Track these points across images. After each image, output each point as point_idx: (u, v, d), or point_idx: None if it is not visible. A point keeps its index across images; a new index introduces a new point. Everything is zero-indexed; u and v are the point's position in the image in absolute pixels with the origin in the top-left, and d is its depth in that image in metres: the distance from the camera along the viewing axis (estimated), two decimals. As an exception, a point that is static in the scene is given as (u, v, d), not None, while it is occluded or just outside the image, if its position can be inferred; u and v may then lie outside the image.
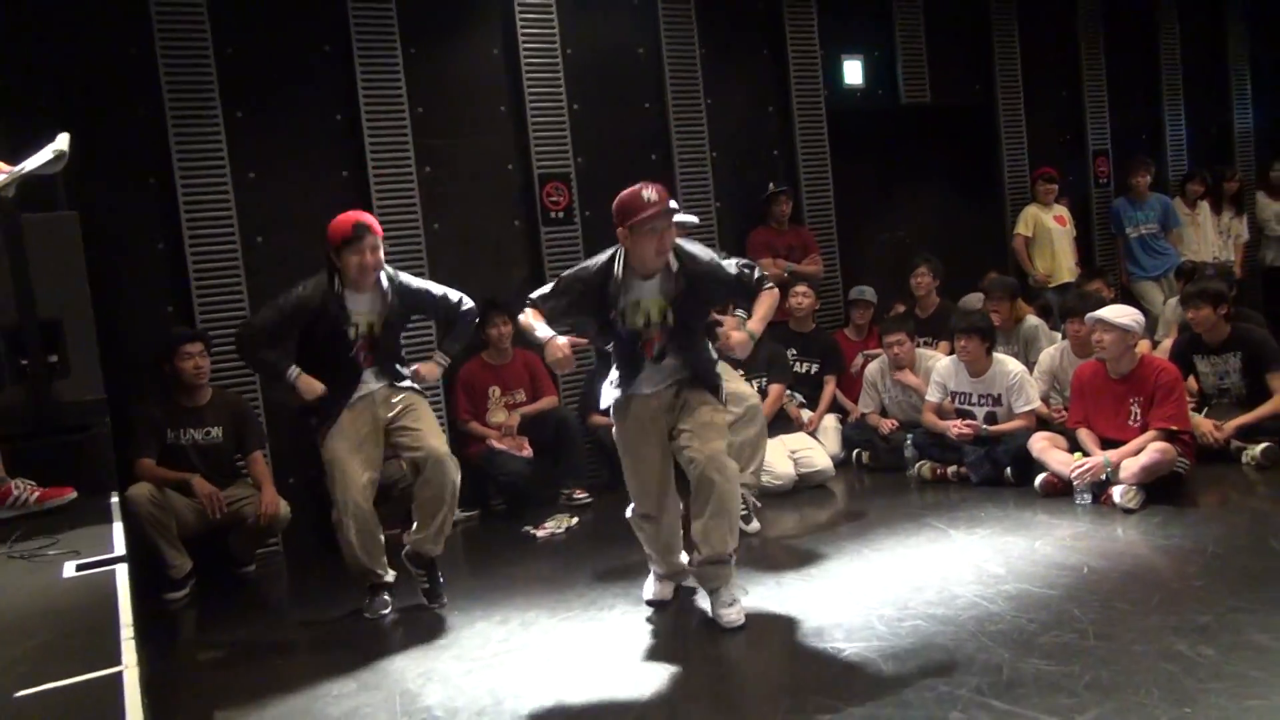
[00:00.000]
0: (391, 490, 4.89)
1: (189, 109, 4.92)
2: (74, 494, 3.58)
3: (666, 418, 3.52)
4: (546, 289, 3.50)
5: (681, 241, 3.47)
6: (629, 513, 3.66)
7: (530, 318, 3.44)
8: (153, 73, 4.85)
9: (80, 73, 4.79)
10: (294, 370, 3.82)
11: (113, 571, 2.65)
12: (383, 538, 3.95)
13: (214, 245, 4.98)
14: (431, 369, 4.09)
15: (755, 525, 4.59)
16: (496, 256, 5.81)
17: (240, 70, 5.08)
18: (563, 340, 3.35)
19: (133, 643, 2.06)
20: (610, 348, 3.57)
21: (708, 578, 3.49)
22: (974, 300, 6.63)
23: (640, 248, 3.33)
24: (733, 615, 3.40)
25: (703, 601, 3.63)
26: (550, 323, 3.43)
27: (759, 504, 4.72)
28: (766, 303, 3.49)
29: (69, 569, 2.73)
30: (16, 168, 3.05)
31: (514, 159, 5.83)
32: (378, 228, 3.89)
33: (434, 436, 3.91)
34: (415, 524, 3.94)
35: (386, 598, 3.94)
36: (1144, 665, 2.78)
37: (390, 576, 3.96)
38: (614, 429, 3.63)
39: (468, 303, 4.10)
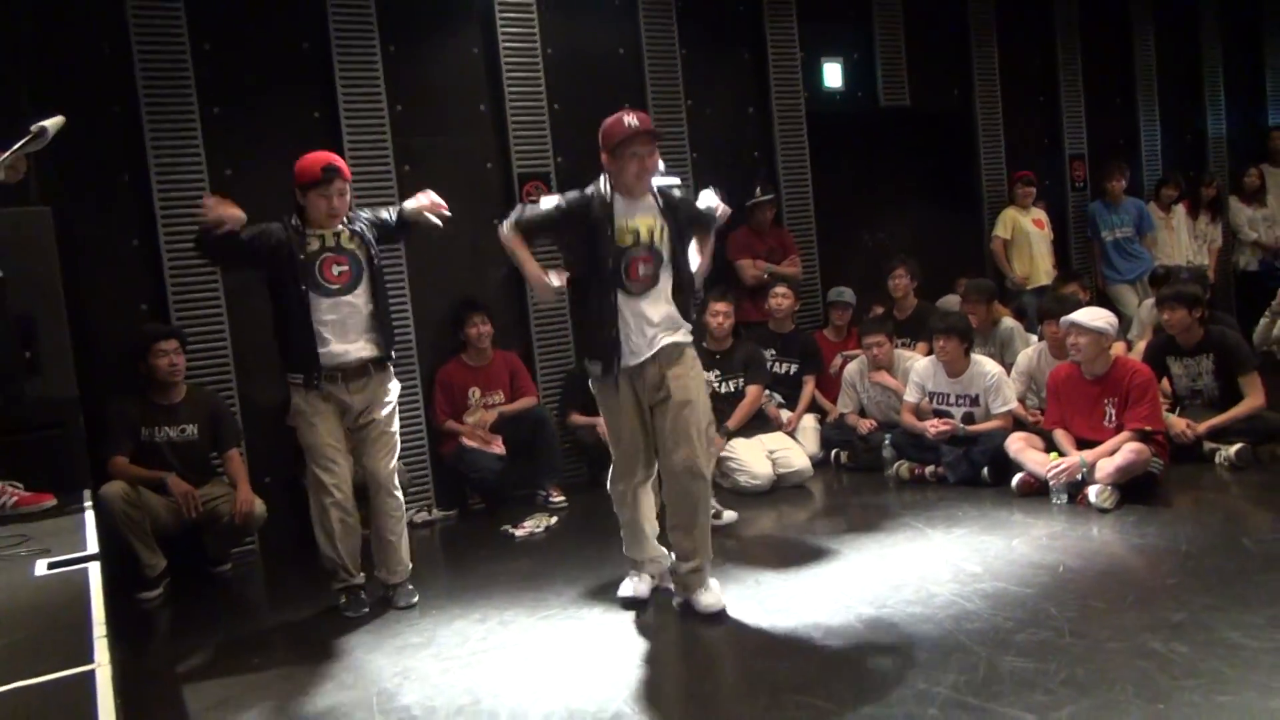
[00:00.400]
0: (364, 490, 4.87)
1: (165, 105, 4.87)
2: (53, 501, 3.55)
3: (651, 395, 3.50)
4: (527, 206, 3.53)
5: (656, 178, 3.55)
6: (610, 484, 3.70)
7: (515, 242, 3.50)
8: (128, 68, 4.80)
9: (54, 68, 4.73)
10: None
11: (85, 570, 2.63)
12: (360, 538, 3.93)
13: (189, 242, 4.90)
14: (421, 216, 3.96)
15: (731, 515, 4.70)
16: (475, 256, 5.79)
17: (217, 66, 5.04)
18: (553, 278, 3.43)
19: (105, 641, 2.03)
20: (589, 285, 3.48)
21: (692, 585, 3.53)
22: (952, 301, 6.68)
23: (624, 172, 3.41)
24: (712, 599, 3.49)
25: (675, 603, 3.64)
26: (530, 238, 3.50)
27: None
28: (710, 242, 3.80)
29: (40, 567, 2.70)
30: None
31: (494, 158, 5.82)
32: (347, 171, 3.87)
33: (384, 457, 3.87)
34: (377, 560, 3.96)
35: (363, 596, 3.91)
36: (1118, 662, 2.80)
37: (360, 579, 3.93)
38: (598, 399, 3.63)
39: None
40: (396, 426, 3.96)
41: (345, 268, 3.82)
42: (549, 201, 3.55)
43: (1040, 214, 7.30)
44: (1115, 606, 3.24)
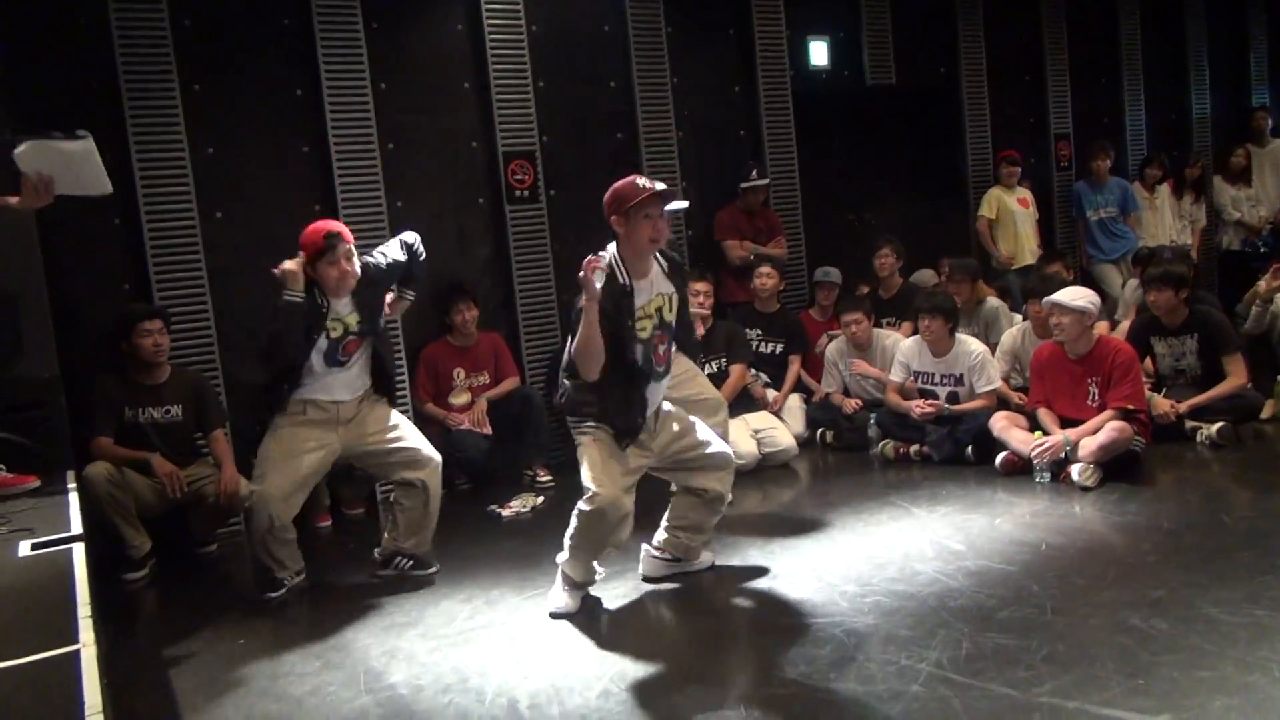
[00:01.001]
0: (354, 471, 4.86)
1: (145, 83, 4.81)
2: (37, 482, 3.53)
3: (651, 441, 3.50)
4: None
5: None
6: (584, 504, 3.35)
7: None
8: (107, 45, 4.74)
9: (31, 44, 4.67)
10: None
11: (69, 550, 2.62)
12: (294, 539, 3.96)
13: (171, 221, 4.89)
14: (397, 304, 4.16)
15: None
16: (460, 235, 5.77)
17: (198, 43, 4.98)
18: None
19: (90, 621, 2.03)
20: (613, 373, 3.32)
21: (693, 552, 3.71)
22: (927, 276, 6.70)
23: (636, 235, 3.30)
24: (708, 555, 3.75)
25: (660, 583, 3.66)
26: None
27: None
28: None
29: (24, 548, 2.69)
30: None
31: (478, 136, 5.78)
32: (349, 235, 3.93)
33: (426, 445, 4.09)
34: (401, 530, 4.04)
35: (285, 585, 3.94)
36: (1099, 639, 2.83)
37: (289, 577, 3.95)
38: (580, 441, 3.45)
39: (418, 246, 4.13)
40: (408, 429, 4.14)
41: (359, 344, 4.00)
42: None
43: (1025, 193, 7.32)
44: (1096, 583, 3.27)
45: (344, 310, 3.93)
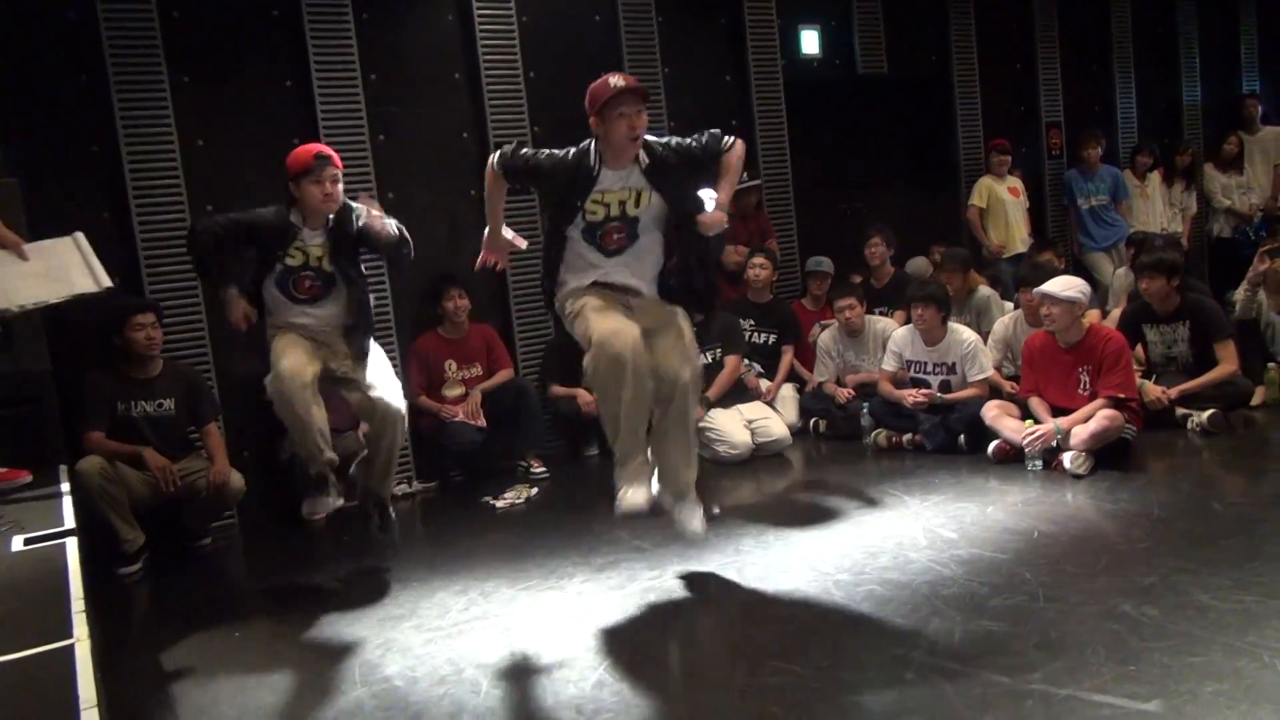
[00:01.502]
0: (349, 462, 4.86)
1: (133, 74, 4.79)
2: (29, 477, 3.53)
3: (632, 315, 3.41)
4: (519, 148, 3.43)
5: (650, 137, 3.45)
6: (588, 362, 3.27)
7: (494, 181, 3.44)
8: (95, 36, 4.71)
9: (18, 36, 4.64)
10: (232, 289, 3.85)
11: (62, 545, 2.62)
12: (325, 415, 3.88)
13: (161, 215, 4.88)
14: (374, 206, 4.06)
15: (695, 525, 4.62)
16: (452, 227, 5.75)
17: (186, 34, 4.96)
18: (510, 233, 3.44)
19: (84, 615, 2.03)
20: (560, 245, 3.44)
21: (685, 509, 3.57)
22: (919, 264, 6.70)
23: (612, 133, 3.31)
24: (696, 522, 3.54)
25: (653, 569, 3.67)
26: (512, 179, 3.42)
27: None
28: (733, 167, 3.50)
29: (16, 543, 2.69)
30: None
31: (469, 127, 5.77)
32: (338, 160, 3.92)
33: (386, 390, 3.97)
34: (368, 466, 4.07)
35: (330, 498, 3.95)
36: (1091, 626, 2.85)
37: (334, 457, 3.91)
38: (572, 312, 3.40)
39: (406, 244, 4.08)
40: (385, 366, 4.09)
41: (317, 283, 3.93)
42: (542, 154, 3.43)
43: (1016, 182, 7.32)
44: (1088, 571, 3.29)
45: (311, 239, 3.90)
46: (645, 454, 3.45)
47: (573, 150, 3.41)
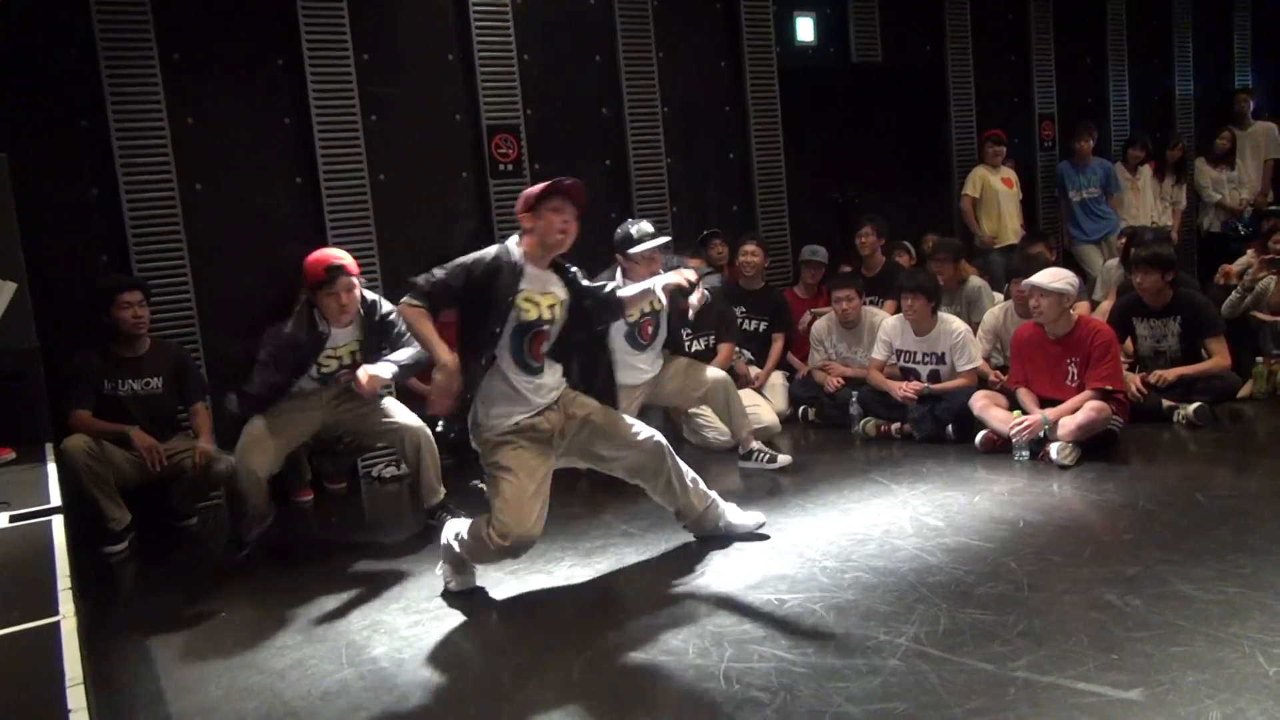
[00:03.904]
0: (336, 445, 4.85)
1: (123, 50, 4.74)
2: (13, 455, 3.51)
3: (558, 442, 3.39)
4: (430, 275, 3.20)
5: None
6: (493, 541, 3.17)
7: (420, 319, 3.16)
8: (84, 11, 4.67)
9: (7, 11, 4.58)
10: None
11: (48, 523, 2.61)
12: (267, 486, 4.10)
13: (150, 192, 4.84)
14: (374, 380, 3.96)
15: (785, 458, 4.85)
16: (444, 209, 5.73)
17: (176, 10, 4.91)
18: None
19: (70, 593, 2.02)
20: (488, 359, 3.26)
21: (718, 517, 3.74)
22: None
23: (545, 227, 3.24)
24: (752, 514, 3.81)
25: (641, 554, 3.68)
26: (437, 304, 3.19)
27: (757, 446, 4.90)
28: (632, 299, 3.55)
29: (2, 520, 2.67)
30: None
31: (462, 109, 5.74)
32: (352, 266, 4.06)
33: (403, 416, 4.32)
34: (419, 486, 4.35)
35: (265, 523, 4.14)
36: (1075, 615, 2.87)
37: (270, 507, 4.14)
38: (496, 457, 3.27)
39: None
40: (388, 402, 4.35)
41: (349, 370, 4.15)
42: (453, 267, 3.22)
43: (1009, 173, 7.34)
44: (1073, 560, 3.31)
45: (343, 340, 4.12)
46: (469, 582, 3.48)
47: (491, 250, 3.27)
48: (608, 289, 3.50)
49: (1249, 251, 6.15)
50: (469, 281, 3.20)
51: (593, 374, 3.51)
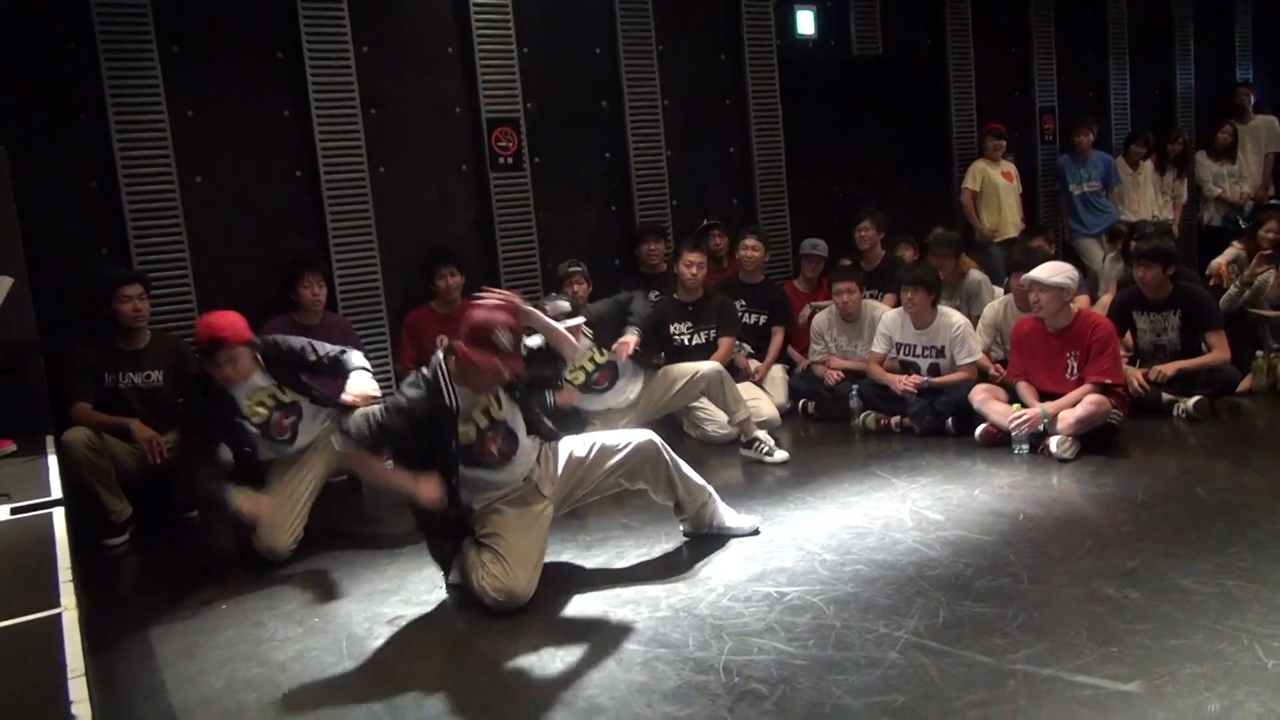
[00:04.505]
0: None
1: (122, 42, 4.75)
2: (13, 447, 3.51)
3: (549, 489, 3.46)
4: (364, 422, 3.10)
5: None
6: (486, 595, 3.16)
7: (363, 462, 3.15)
8: (83, 4, 4.66)
9: (5, 5, 4.59)
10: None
11: (49, 515, 2.61)
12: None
13: (150, 185, 4.85)
14: (363, 394, 3.85)
15: (782, 454, 4.83)
16: (444, 202, 5.74)
17: (177, 3, 4.91)
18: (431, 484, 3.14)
19: (71, 585, 2.02)
20: (454, 480, 3.23)
21: (714, 516, 3.72)
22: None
23: (482, 370, 3.15)
24: (748, 517, 3.77)
25: (641, 547, 3.69)
26: (373, 448, 3.12)
27: (761, 435, 4.90)
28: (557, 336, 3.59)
29: (3, 512, 2.68)
30: None
31: (462, 102, 5.74)
32: (232, 337, 3.91)
33: None
34: None
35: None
36: (1074, 608, 2.88)
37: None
38: (482, 528, 3.30)
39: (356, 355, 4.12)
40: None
41: (290, 420, 4.13)
42: (392, 415, 3.11)
43: (1009, 166, 7.33)
44: (1072, 553, 3.31)
45: (257, 386, 4.05)
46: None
47: (421, 385, 3.18)
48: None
49: (1235, 244, 6.16)
50: (411, 419, 3.11)
51: (560, 423, 3.61)
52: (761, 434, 4.90)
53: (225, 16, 5.09)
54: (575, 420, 3.74)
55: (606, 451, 3.53)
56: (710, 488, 3.72)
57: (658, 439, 3.58)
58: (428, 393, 3.16)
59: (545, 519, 3.41)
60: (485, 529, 3.31)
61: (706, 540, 3.70)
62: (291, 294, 5.07)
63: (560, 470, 3.51)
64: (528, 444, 3.42)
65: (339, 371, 4.05)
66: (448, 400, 3.17)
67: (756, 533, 3.73)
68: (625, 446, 3.53)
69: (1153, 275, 5.07)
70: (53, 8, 4.69)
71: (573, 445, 3.54)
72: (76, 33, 4.70)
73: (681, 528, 3.78)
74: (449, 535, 3.35)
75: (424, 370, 3.23)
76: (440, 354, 3.24)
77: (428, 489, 3.11)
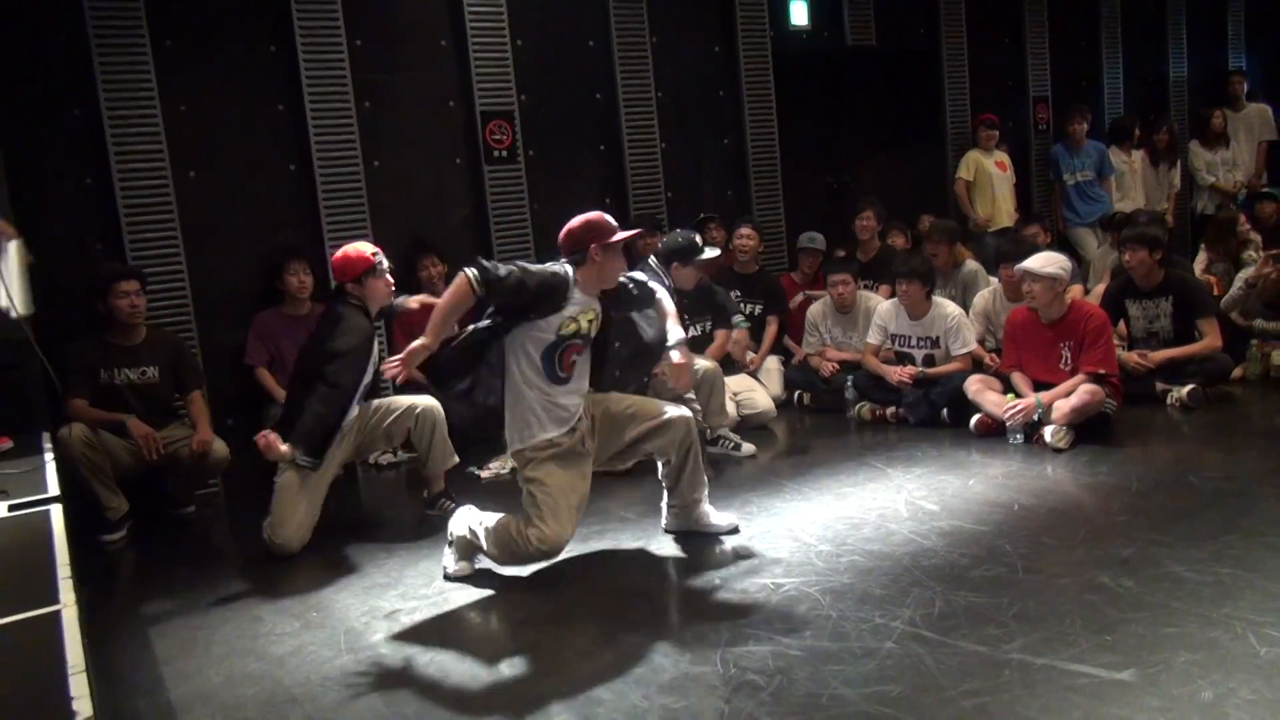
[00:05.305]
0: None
1: (115, 37, 4.72)
2: (10, 444, 3.51)
3: (590, 444, 3.52)
4: (502, 267, 3.27)
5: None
6: (531, 545, 3.27)
7: (462, 296, 3.23)
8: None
9: (-3, -3, 4.58)
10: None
11: (47, 512, 2.61)
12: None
13: (144, 180, 4.83)
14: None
15: (750, 447, 4.89)
16: (438, 195, 5.73)
17: (169, -3, 4.89)
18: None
19: (70, 581, 2.03)
20: (516, 368, 3.38)
21: (701, 514, 3.74)
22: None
23: (610, 267, 3.39)
24: (722, 518, 3.76)
25: (638, 539, 3.70)
26: (492, 293, 3.25)
27: (725, 432, 4.94)
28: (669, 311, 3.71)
29: (1, 509, 2.68)
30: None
31: (456, 95, 5.72)
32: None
33: (414, 396, 4.24)
34: (425, 470, 4.35)
35: None
36: (1069, 597, 2.89)
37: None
38: (530, 472, 3.38)
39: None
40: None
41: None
42: (519, 272, 3.27)
43: (1003, 156, 7.34)
44: (1067, 543, 3.33)
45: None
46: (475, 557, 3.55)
47: (550, 268, 3.36)
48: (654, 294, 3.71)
49: (1203, 251, 6.31)
50: (530, 282, 3.27)
51: (627, 372, 3.66)
52: (724, 431, 4.92)
53: (218, 10, 5.07)
54: (637, 375, 3.77)
55: (642, 416, 3.55)
56: (705, 489, 3.74)
57: (692, 419, 3.62)
58: (551, 275, 3.33)
59: (586, 475, 3.47)
60: (532, 474, 3.38)
61: (701, 533, 3.71)
62: (278, 283, 5.07)
63: (597, 426, 3.55)
64: (584, 377, 3.52)
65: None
66: (566, 287, 3.34)
67: (736, 531, 3.71)
68: (662, 416, 3.55)
69: (1139, 259, 5.09)
70: (45, 2, 4.66)
71: (610, 402, 3.58)
72: (69, 27, 4.68)
73: (664, 523, 3.79)
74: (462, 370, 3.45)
75: (562, 260, 3.40)
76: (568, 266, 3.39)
77: (416, 354, 3.31)
